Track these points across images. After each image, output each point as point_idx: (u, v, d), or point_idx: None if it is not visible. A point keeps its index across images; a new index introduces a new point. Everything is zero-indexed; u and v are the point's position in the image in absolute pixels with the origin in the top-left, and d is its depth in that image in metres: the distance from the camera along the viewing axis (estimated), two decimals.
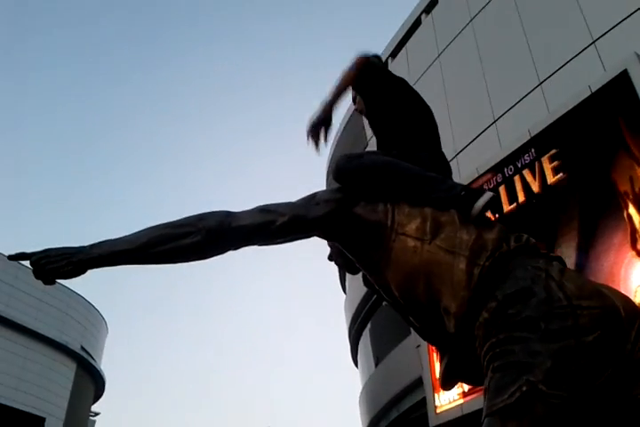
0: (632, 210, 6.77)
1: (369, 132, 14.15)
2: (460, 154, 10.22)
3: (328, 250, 2.29)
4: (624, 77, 7.16)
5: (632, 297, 6.26)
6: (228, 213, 1.93)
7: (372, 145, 14.40)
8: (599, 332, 1.52)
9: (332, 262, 2.31)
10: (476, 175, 8.92)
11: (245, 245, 1.97)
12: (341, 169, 2.03)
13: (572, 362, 1.48)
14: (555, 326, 1.52)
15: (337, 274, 18.11)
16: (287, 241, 2.03)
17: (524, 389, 1.47)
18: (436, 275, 1.76)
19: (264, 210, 1.95)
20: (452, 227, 1.83)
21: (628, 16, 8.10)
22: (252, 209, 1.97)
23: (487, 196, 1.85)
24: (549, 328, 1.52)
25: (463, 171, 9.47)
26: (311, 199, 2.02)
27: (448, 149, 9.10)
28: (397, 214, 1.90)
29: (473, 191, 1.89)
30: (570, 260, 6.94)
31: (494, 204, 1.87)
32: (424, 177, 1.94)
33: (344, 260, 2.17)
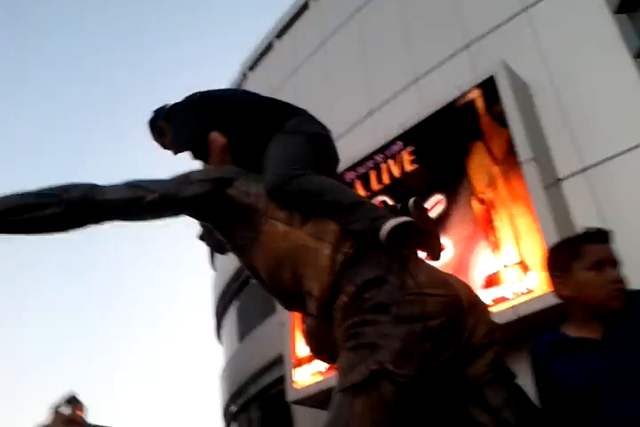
0: (483, 202, 7.39)
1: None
2: (340, 142, 10.47)
3: (198, 229, 2.30)
4: (491, 82, 7.74)
5: (482, 286, 6.84)
6: (94, 186, 1.87)
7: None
8: (443, 318, 1.67)
9: (202, 242, 2.32)
10: (351, 163, 9.26)
11: (109, 220, 1.91)
12: (278, 189, 1.96)
13: (418, 345, 1.62)
14: (404, 312, 1.65)
15: (206, 251, 17.91)
16: (154, 219, 1.99)
17: (373, 368, 1.59)
18: (303, 259, 1.85)
19: (134, 185, 1.91)
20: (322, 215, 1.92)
21: (502, 24, 8.71)
22: (121, 183, 1.92)
23: (393, 222, 1.75)
24: (399, 313, 1.65)
25: (342, 157, 9.73)
26: (185, 178, 2.01)
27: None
28: (270, 199, 1.95)
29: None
30: None
31: (406, 230, 1.76)
32: (357, 203, 1.88)
33: (214, 240, 2.19)
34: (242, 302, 14.48)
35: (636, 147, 6.90)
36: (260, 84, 13.72)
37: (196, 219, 2.13)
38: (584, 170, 7.26)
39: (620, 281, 1.53)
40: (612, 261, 1.56)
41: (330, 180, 1.99)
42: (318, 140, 2.23)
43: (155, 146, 2.48)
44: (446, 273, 1.86)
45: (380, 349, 1.61)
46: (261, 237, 1.92)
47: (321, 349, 2.26)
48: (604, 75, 7.39)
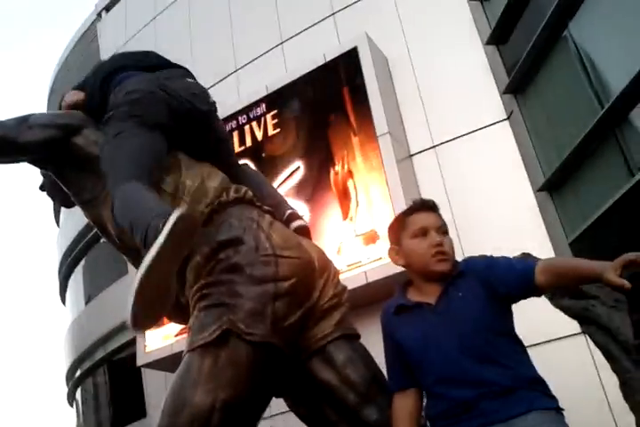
0: (341, 171, 7.63)
1: (103, 54, 13.18)
2: None
3: (40, 179, 2.15)
4: (354, 53, 7.91)
5: (336, 253, 7.11)
6: None
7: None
8: (295, 279, 1.72)
9: (45, 193, 2.17)
10: None
11: None
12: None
13: (269, 305, 1.66)
14: (258, 272, 1.68)
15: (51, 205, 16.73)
16: None
17: (225, 327, 1.61)
18: None
19: None
20: (178, 172, 1.88)
21: None
22: None
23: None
24: (253, 274, 1.68)
25: None
26: (23, 121, 1.87)
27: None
28: None
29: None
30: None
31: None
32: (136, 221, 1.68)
33: (58, 192, 2.05)
34: (89, 261, 13.82)
35: (482, 128, 7.46)
36: (115, 28, 12.87)
37: (37, 167, 1.99)
38: (434, 147, 7.72)
39: (439, 244, 1.60)
40: (436, 228, 1.63)
41: (135, 195, 1.73)
42: (153, 116, 1.91)
43: None
44: (300, 236, 1.91)
45: (233, 308, 1.64)
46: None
47: (172, 310, 2.24)
48: (457, 58, 7.84)
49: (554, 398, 1.50)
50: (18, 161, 1.93)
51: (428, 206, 1.69)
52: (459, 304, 1.56)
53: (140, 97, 1.88)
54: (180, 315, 2.05)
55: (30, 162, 1.95)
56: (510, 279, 1.53)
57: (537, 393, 1.47)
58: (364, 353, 1.84)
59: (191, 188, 1.84)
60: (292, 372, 1.78)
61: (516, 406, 1.43)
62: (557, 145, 6.67)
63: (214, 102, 2.12)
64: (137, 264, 2.01)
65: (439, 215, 1.69)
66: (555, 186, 6.72)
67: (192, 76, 2.16)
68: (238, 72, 9.93)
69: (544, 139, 6.97)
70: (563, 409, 1.49)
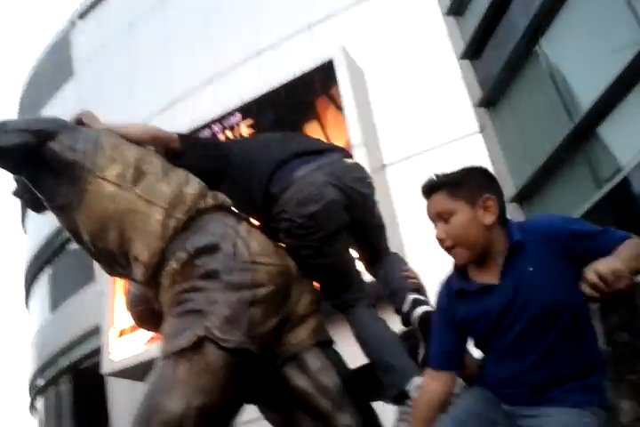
0: None
1: (76, 62, 13.02)
2: (178, 105, 10.16)
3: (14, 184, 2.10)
4: (329, 66, 7.99)
5: None
6: None
7: (80, 75, 13.05)
8: (272, 286, 1.72)
9: (17, 198, 2.12)
10: (187, 130, 9.04)
11: None
12: None
13: (246, 312, 1.65)
14: (235, 279, 1.67)
15: (19, 211, 16.45)
16: None
17: (200, 334, 1.60)
18: (131, 223, 1.78)
19: None
20: (155, 177, 1.85)
21: (344, 9, 8.97)
22: None
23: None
24: (230, 280, 1.67)
25: (180, 122, 9.53)
26: (2, 126, 1.84)
27: (166, 99, 8.84)
28: (99, 157, 1.84)
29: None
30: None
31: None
32: None
33: (32, 196, 2.01)
34: (56, 268, 13.55)
35: (455, 140, 7.56)
36: (90, 37, 12.74)
37: (11, 172, 1.95)
38: (407, 158, 7.79)
39: (440, 239, 1.45)
40: (433, 217, 1.47)
41: None
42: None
43: None
44: (277, 244, 1.90)
45: (208, 315, 1.62)
46: (86, 197, 1.81)
47: (145, 317, 2.21)
48: (432, 71, 7.96)
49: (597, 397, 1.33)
50: None
51: (424, 193, 1.53)
52: (527, 281, 1.37)
53: (319, 210, 1.86)
54: (153, 321, 2.02)
55: (4, 167, 1.91)
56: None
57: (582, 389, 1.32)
58: (337, 360, 1.84)
59: (168, 194, 1.82)
60: (265, 378, 1.77)
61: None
62: (528, 158, 6.79)
63: (372, 183, 2.10)
64: (109, 270, 1.98)
65: (435, 199, 1.48)
66: (525, 198, 6.84)
67: (348, 155, 2.12)
68: (214, 82, 9.92)
69: (515, 152, 7.09)
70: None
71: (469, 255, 1.42)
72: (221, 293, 1.65)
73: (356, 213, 1.97)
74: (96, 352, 9.73)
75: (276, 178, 1.94)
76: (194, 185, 1.89)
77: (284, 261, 1.81)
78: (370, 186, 2.06)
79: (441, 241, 1.44)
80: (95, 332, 9.94)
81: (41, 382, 13.79)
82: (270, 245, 1.84)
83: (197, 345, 1.59)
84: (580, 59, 6.16)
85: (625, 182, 5.44)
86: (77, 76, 12.92)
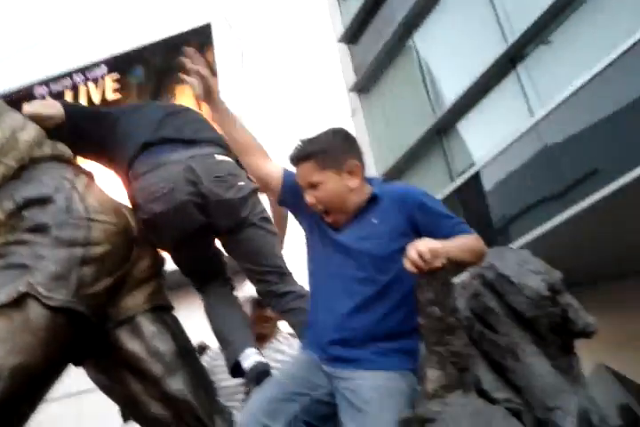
0: None
1: None
2: (33, 48, 9.34)
3: None
4: (207, 29, 7.79)
5: None
6: None
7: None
8: (108, 246, 1.63)
9: None
10: (44, 77, 8.37)
11: None
12: None
13: (76, 270, 1.55)
14: (66, 235, 1.56)
15: None
16: None
17: (22, 290, 1.48)
18: None
19: None
20: None
21: None
22: None
23: None
24: (60, 236, 1.55)
25: (32, 67, 8.80)
26: None
27: (21, 39, 7.97)
28: None
29: None
30: None
31: None
32: None
33: None
34: None
35: (327, 123, 7.68)
36: None
37: None
38: (276, 137, 7.80)
39: (312, 205, 1.50)
40: (306, 185, 1.51)
41: None
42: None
43: None
44: (121, 203, 1.81)
45: (33, 270, 1.50)
46: None
47: None
48: (310, 50, 8.04)
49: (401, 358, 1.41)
50: None
51: (292, 162, 1.56)
52: (367, 232, 1.47)
53: (165, 211, 1.78)
54: None
55: None
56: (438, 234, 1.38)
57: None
58: (173, 325, 1.80)
59: (1, 140, 1.66)
60: (95, 340, 1.70)
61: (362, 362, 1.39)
62: (392, 146, 7.07)
63: (242, 186, 1.88)
64: None
65: (304, 168, 1.52)
66: None
67: (224, 149, 1.94)
68: (81, 25, 9.21)
69: (381, 140, 7.34)
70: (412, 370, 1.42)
71: (340, 217, 1.50)
72: (50, 248, 1.53)
73: (212, 218, 1.85)
74: None
75: (139, 161, 1.86)
76: (30, 132, 1.73)
77: (123, 220, 1.72)
78: (233, 189, 1.85)
79: (312, 205, 1.51)
80: None
81: None
82: (110, 203, 1.73)
83: (18, 302, 1.47)
84: (447, 56, 6.48)
85: (476, 177, 5.84)
86: None
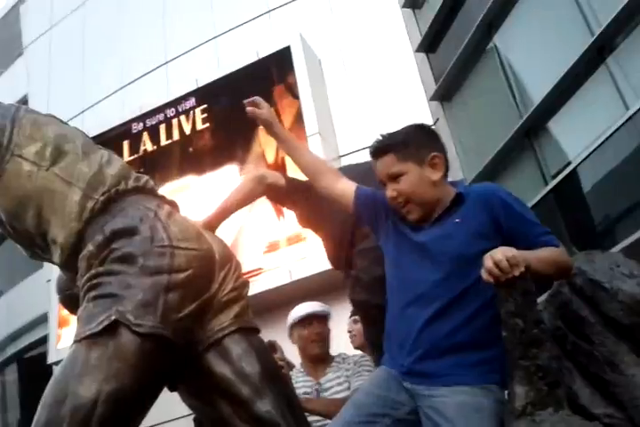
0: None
1: (26, 38, 12.59)
2: (132, 87, 9.96)
3: None
4: (287, 52, 7.92)
5: (262, 250, 7.11)
6: None
7: (30, 52, 12.64)
8: (190, 271, 1.69)
9: None
10: (139, 113, 8.90)
11: None
12: None
13: (161, 296, 1.62)
14: (151, 263, 1.63)
15: None
16: None
17: (113, 318, 1.56)
18: (49, 204, 1.73)
19: None
20: (75, 157, 1.80)
21: None
22: None
23: None
24: (146, 264, 1.63)
25: (128, 106, 9.39)
26: None
27: (116, 81, 8.63)
28: (17, 135, 1.78)
29: None
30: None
31: None
32: None
33: None
34: (1, 255, 13.19)
35: None
36: (39, 13, 12.32)
37: None
38: (363, 149, 7.80)
39: (392, 197, 1.49)
40: (387, 178, 1.50)
41: None
42: None
43: None
44: (201, 228, 1.87)
45: (122, 299, 1.58)
46: (4, 177, 1.75)
47: (69, 302, 2.17)
48: (388, 62, 7.98)
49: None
50: None
51: (372, 155, 1.57)
52: (449, 232, 1.43)
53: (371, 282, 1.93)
54: (77, 306, 1.98)
55: None
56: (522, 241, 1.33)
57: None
58: (260, 346, 1.82)
59: (87, 174, 1.77)
60: (186, 364, 1.75)
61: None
62: (479, 152, 6.89)
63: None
64: (30, 253, 1.92)
65: (384, 161, 1.52)
66: None
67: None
68: (168, 64, 9.74)
69: (467, 146, 7.18)
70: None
71: (421, 211, 1.48)
72: (137, 277, 1.61)
73: None
74: (43, 341, 9.54)
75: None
76: (115, 166, 1.84)
77: (206, 245, 1.78)
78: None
79: (393, 199, 1.49)
80: (43, 320, 9.74)
81: None
82: (192, 230, 1.80)
83: (110, 330, 1.55)
84: (531, 54, 6.26)
85: (571, 178, 5.56)
86: (27, 55, 12.53)
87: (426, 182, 1.46)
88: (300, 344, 2.74)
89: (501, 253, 1.22)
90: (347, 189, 1.61)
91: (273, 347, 2.33)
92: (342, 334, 2.96)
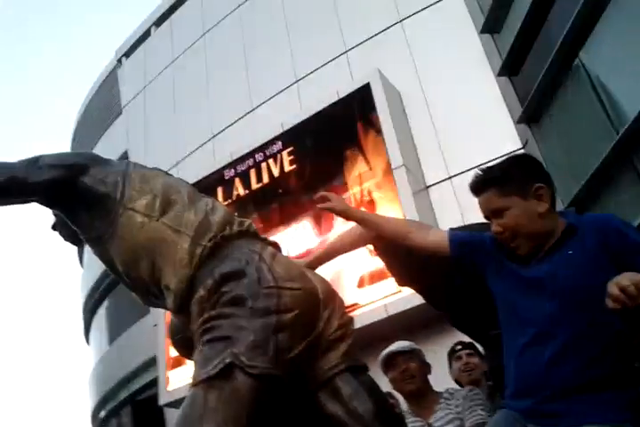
0: (358, 204, 7.64)
1: (124, 98, 13.53)
2: (220, 136, 10.42)
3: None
4: (367, 88, 8.05)
5: (355, 285, 7.10)
6: None
7: (128, 111, 13.58)
8: (297, 311, 1.72)
9: (56, 233, 2.21)
10: (230, 160, 9.27)
11: None
12: None
13: (271, 337, 1.66)
14: (260, 305, 1.68)
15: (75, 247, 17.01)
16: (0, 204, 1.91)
17: (227, 360, 1.61)
18: (160, 252, 1.82)
19: None
20: (181, 206, 1.90)
21: (378, 33, 9.07)
22: None
23: None
24: (255, 306, 1.68)
25: (218, 154, 9.81)
26: (34, 162, 1.91)
27: (206, 132, 9.12)
28: (128, 188, 1.90)
29: None
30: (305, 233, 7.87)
31: None
32: None
33: (68, 230, 2.08)
34: (113, 301, 13.90)
35: (497, 158, 7.45)
36: (135, 72, 13.27)
37: (47, 207, 2.03)
38: (450, 178, 7.72)
39: (498, 233, 1.46)
40: (488, 213, 1.49)
41: None
42: None
43: None
44: (303, 267, 1.91)
45: (235, 341, 1.63)
46: (118, 229, 1.87)
47: (183, 345, 2.25)
48: (470, 89, 7.92)
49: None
50: (28, 201, 1.98)
51: (473, 191, 1.53)
52: (563, 264, 1.37)
53: None
54: (190, 350, 2.05)
55: (40, 202, 2.00)
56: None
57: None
58: (370, 385, 1.81)
59: (194, 222, 1.86)
60: (299, 404, 1.76)
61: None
62: (574, 173, 6.63)
63: None
64: (144, 300, 2.03)
65: (486, 197, 1.48)
66: None
67: None
68: (255, 111, 10.14)
69: (560, 167, 6.92)
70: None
71: (530, 245, 1.43)
72: (247, 319, 1.66)
73: None
74: (154, 383, 9.87)
75: None
76: (220, 213, 1.93)
77: (310, 284, 1.81)
78: None
79: (499, 234, 1.45)
80: (152, 363, 10.10)
81: (102, 414, 14.04)
82: (296, 269, 1.85)
83: (225, 372, 1.60)
84: (621, 69, 6.02)
85: None
86: (125, 114, 13.45)
87: (532, 215, 1.42)
88: (394, 386, 2.70)
89: (627, 279, 1.16)
90: (438, 239, 1.59)
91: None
92: (443, 368, 2.89)
